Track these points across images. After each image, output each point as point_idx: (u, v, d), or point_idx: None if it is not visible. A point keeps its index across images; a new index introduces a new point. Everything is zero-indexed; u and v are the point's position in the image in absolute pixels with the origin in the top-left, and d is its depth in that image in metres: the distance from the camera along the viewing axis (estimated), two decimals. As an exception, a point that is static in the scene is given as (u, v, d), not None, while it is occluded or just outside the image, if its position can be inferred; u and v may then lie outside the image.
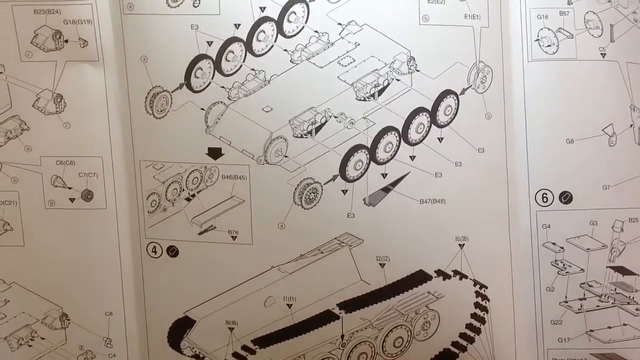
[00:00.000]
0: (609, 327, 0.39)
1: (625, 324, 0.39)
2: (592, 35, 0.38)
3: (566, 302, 0.39)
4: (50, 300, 0.39)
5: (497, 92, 0.39)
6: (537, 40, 0.39)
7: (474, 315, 0.39)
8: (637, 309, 0.39)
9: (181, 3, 0.36)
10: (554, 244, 0.39)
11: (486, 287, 0.39)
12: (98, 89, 0.37)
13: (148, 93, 0.37)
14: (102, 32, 0.37)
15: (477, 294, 0.39)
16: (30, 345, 0.39)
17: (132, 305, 0.40)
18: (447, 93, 0.38)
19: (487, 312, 0.39)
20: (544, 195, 0.39)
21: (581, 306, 0.39)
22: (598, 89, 0.38)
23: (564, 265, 0.39)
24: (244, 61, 0.37)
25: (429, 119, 0.37)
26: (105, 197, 0.38)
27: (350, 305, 0.38)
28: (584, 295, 0.39)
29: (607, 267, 0.39)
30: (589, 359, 0.40)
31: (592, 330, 0.39)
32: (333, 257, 0.38)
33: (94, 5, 0.36)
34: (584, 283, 0.39)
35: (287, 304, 0.39)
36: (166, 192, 0.38)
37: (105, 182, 0.38)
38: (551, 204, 0.39)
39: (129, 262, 0.39)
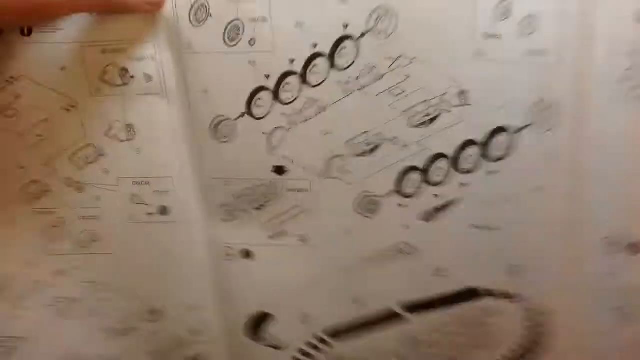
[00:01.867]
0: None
1: None
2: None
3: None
4: (139, 298, 0.45)
5: (568, 132, 0.38)
6: (622, 80, 0.36)
7: (526, 337, 0.43)
8: None
9: (238, 42, 0.38)
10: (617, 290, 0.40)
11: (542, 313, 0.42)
12: (164, 118, 0.40)
13: (212, 121, 0.40)
14: (165, 68, 0.39)
15: (528, 318, 0.43)
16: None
17: (213, 302, 0.45)
18: (500, 129, 0.38)
19: (542, 336, 0.43)
20: (611, 242, 0.39)
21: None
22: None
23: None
24: (300, 91, 0.39)
25: (479, 152, 0.38)
26: (180, 211, 0.42)
27: (414, 307, 0.43)
28: None
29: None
30: None
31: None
32: (394, 262, 0.42)
33: (156, 45, 0.38)
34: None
35: (353, 302, 0.44)
36: (237, 202, 0.42)
37: (179, 198, 0.42)
38: (616, 252, 0.40)
39: (208, 264, 0.44)
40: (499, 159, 0.39)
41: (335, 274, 0.43)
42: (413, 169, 0.39)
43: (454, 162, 0.39)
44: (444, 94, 0.37)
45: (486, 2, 0.36)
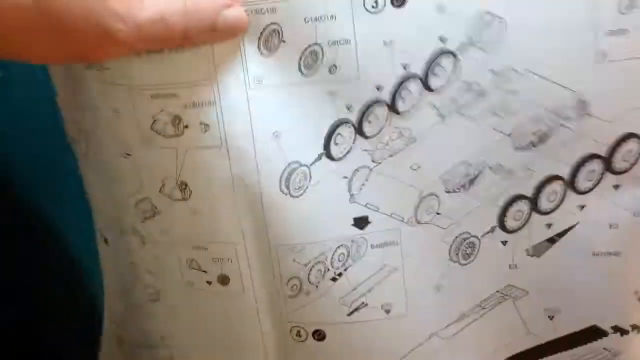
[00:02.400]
0: None
1: None
2: None
3: None
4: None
5: None
6: None
7: None
8: None
9: (317, 70, 0.32)
10: None
11: None
12: (223, 175, 0.34)
13: (283, 172, 0.34)
14: (225, 113, 0.33)
15: None
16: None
17: None
18: (628, 137, 0.33)
19: None
20: None
21: None
22: None
23: None
24: (387, 121, 0.33)
25: (603, 166, 0.33)
26: (242, 282, 0.36)
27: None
28: None
29: None
30: None
31: None
32: (495, 312, 0.36)
33: (215, 84, 0.32)
34: None
35: None
36: (309, 275, 0.35)
37: (241, 268, 0.35)
38: None
39: (272, 347, 0.37)
40: (625, 171, 0.34)
41: (427, 344, 0.37)
42: (520, 197, 0.34)
43: (571, 182, 0.33)
44: (560, 106, 0.32)
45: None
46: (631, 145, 0.34)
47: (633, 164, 0.34)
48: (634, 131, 0.33)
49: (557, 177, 0.34)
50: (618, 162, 0.34)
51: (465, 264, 0.35)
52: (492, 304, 0.36)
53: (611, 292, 0.36)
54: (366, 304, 0.36)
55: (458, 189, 0.34)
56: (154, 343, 0.39)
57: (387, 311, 0.36)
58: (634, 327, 0.36)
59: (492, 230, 0.35)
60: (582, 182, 0.34)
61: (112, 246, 0.39)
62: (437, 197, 0.34)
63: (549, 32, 0.32)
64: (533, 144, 0.33)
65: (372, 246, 0.35)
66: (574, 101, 0.32)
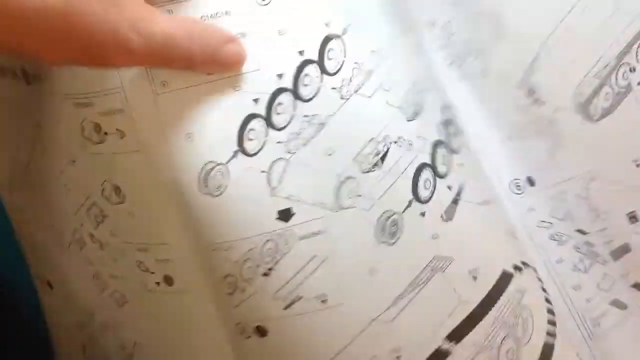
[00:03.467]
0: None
1: None
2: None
3: None
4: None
5: None
6: None
7: (546, 300, 0.40)
8: None
9: None
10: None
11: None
12: (148, 179, 0.34)
13: (200, 172, 0.33)
14: (137, 119, 0.33)
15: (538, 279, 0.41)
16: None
17: None
18: None
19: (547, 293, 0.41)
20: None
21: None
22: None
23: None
24: (294, 110, 0.34)
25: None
26: (185, 282, 0.35)
27: (458, 333, 0.37)
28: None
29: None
30: None
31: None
32: (428, 288, 0.37)
33: (122, 92, 0.32)
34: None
35: (396, 357, 0.36)
36: (241, 271, 0.34)
37: (182, 268, 0.35)
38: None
39: (224, 346, 0.36)
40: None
41: (367, 331, 0.36)
42: (424, 165, 0.37)
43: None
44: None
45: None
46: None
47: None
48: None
49: (441, 142, 0.37)
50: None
51: (394, 243, 0.36)
52: (424, 279, 0.37)
53: (500, 234, 0.39)
54: (301, 297, 0.35)
55: (372, 168, 0.35)
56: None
57: (323, 301, 0.35)
58: (523, 262, 0.40)
59: (410, 204, 0.36)
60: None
61: (70, 267, 0.39)
62: (355, 178, 0.35)
63: None
64: (416, 113, 0.36)
65: (299, 238, 0.35)
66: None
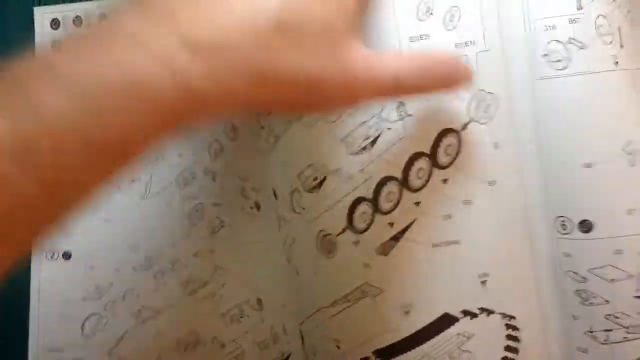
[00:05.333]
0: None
1: (656, 356, 0.36)
2: (605, 42, 0.33)
3: (591, 332, 0.37)
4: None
5: (505, 119, 0.36)
6: (546, 55, 0.35)
7: (507, 348, 0.38)
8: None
9: None
10: (575, 273, 0.37)
11: (514, 318, 0.38)
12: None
13: None
14: None
15: (507, 326, 0.38)
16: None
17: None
18: (445, 132, 0.36)
19: (519, 342, 0.38)
20: (563, 222, 0.36)
21: (607, 338, 0.37)
22: (614, 104, 0.34)
23: (587, 295, 0.37)
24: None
25: (429, 163, 0.36)
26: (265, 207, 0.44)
27: (385, 354, 0.39)
28: (610, 327, 0.37)
29: (634, 297, 0.36)
30: None
31: (620, 363, 0.37)
32: (360, 306, 0.39)
33: None
34: (609, 315, 0.36)
35: (337, 346, 0.40)
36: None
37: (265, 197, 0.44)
38: (570, 232, 0.36)
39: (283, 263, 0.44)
40: (449, 164, 0.36)
41: (315, 315, 0.41)
42: (361, 199, 0.37)
43: (404, 181, 0.36)
44: (381, 110, 0.36)
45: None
46: (450, 140, 0.36)
47: (454, 157, 0.36)
48: (450, 126, 0.36)
49: (391, 178, 0.37)
50: (441, 157, 0.36)
51: (331, 257, 0.39)
52: (355, 298, 0.39)
53: (456, 279, 0.37)
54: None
55: (311, 189, 0.38)
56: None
57: (297, 273, 0.42)
58: (482, 309, 0.38)
59: (344, 230, 0.38)
60: (414, 181, 0.37)
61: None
62: (300, 193, 0.38)
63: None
64: (364, 148, 0.36)
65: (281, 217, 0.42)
66: (395, 104, 0.36)
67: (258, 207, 0.43)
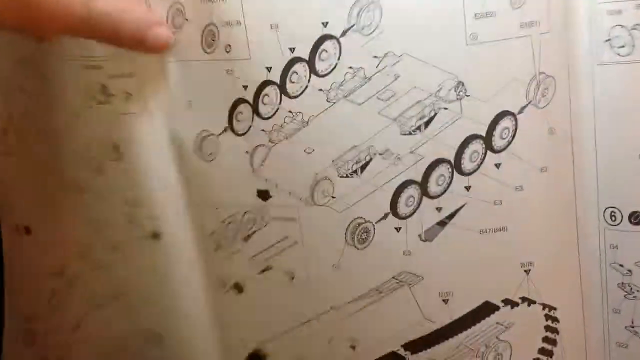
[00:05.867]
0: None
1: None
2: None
3: (632, 326, 0.37)
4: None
5: (562, 104, 0.34)
6: (608, 40, 0.34)
7: (545, 339, 0.38)
8: None
9: (216, 48, 0.35)
10: (621, 265, 0.36)
11: (555, 309, 0.37)
12: (148, 138, 0.38)
13: (196, 137, 0.37)
14: (145, 84, 0.37)
15: (547, 317, 0.37)
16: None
17: (212, 335, 0.41)
18: (502, 115, 0.34)
19: (557, 334, 0.37)
20: (612, 213, 0.35)
21: (647, 333, 0.36)
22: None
23: (631, 289, 0.36)
24: (280, 103, 0.35)
25: (483, 146, 0.34)
26: (172, 237, 0.40)
27: (416, 346, 0.37)
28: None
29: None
30: None
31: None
32: (393, 297, 0.37)
33: (135, 58, 0.37)
34: (652, 310, 0.36)
35: (351, 346, 0.38)
36: (225, 231, 0.39)
37: (170, 224, 0.40)
38: (619, 223, 0.35)
39: (203, 296, 0.41)
40: (504, 148, 0.35)
41: (326, 314, 0.38)
42: (410, 182, 0.35)
43: (457, 164, 0.35)
44: (439, 89, 0.34)
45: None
46: (506, 122, 0.34)
47: (510, 141, 0.35)
48: (508, 108, 0.34)
49: (443, 160, 0.35)
50: (497, 141, 0.35)
51: (361, 249, 0.36)
52: (388, 289, 0.37)
53: (499, 267, 0.36)
54: (272, 267, 0.38)
55: (350, 174, 0.35)
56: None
57: (292, 278, 0.38)
58: (524, 299, 0.37)
59: (386, 216, 0.36)
60: (467, 164, 0.35)
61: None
62: (331, 181, 0.35)
63: (422, 15, 0.33)
64: (418, 128, 0.34)
65: (273, 218, 0.37)
66: (453, 83, 0.34)
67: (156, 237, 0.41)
